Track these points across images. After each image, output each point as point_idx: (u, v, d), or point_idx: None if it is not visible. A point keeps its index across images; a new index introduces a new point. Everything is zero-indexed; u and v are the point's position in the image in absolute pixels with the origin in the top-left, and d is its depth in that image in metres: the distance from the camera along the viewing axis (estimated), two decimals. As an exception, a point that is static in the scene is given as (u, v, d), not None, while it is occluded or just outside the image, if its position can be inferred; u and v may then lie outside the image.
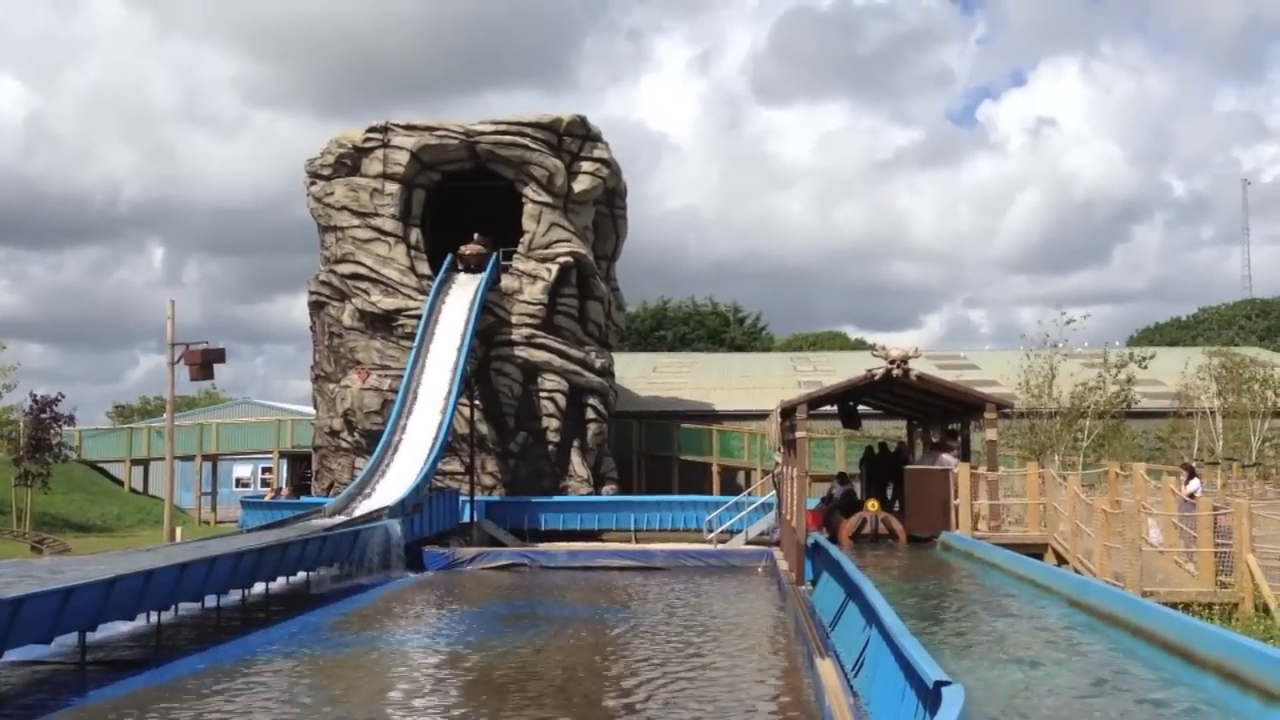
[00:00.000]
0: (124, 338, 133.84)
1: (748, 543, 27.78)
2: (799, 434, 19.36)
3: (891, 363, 18.83)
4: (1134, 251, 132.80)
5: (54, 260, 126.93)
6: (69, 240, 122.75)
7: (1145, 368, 34.88)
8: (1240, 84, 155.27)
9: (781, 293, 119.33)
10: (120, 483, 46.55)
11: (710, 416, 42.06)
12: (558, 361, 35.51)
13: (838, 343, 71.24)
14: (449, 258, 35.85)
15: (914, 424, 25.34)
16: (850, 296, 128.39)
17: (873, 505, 19.09)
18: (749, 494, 32.18)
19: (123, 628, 15.38)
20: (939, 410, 21.89)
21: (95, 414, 74.81)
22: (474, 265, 35.83)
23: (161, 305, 33.29)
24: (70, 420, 39.92)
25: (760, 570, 24.24)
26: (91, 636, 13.97)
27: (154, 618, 15.83)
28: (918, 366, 19.51)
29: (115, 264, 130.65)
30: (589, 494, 35.05)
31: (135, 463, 46.74)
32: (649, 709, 11.22)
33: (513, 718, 10.83)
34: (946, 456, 19.51)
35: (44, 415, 37.68)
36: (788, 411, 20.21)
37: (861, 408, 24.07)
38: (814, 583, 17.63)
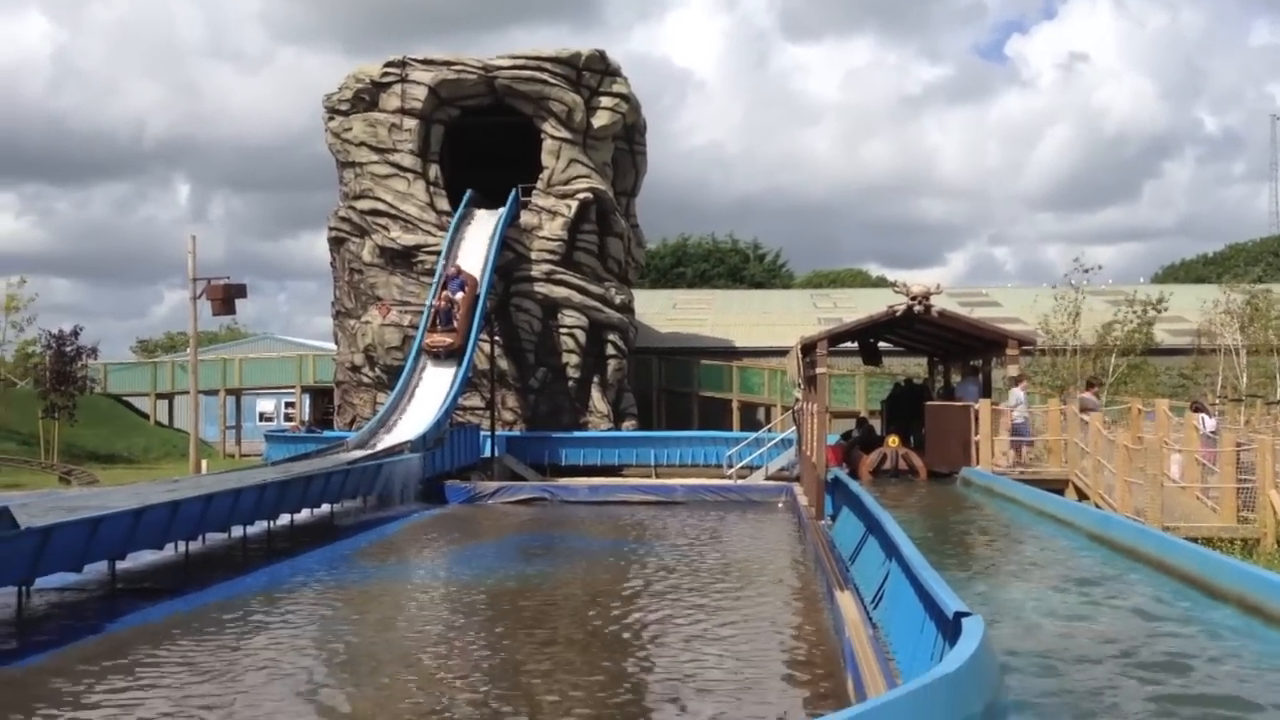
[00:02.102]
0: (149, 273, 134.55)
1: (767, 478, 27.91)
2: (819, 370, 19.33)
3: (913, 299, 18.71)
4: (1163, 188, 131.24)
5: (80, 196, 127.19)
6: (95, 176, 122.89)
7: (1161, 312, 34.92)
8: (1274, 18, 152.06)
9: (804, 230, 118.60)
10: (146, 416, 47.05)
11: (730, 353, 42.06)
12: (577, 298, 35.48)
13: (859, 280, 70.89)
14: (468, 194, 35.71)
15: (935, 361, 25.27)
16: (874, 234, 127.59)
17: (893, 441, 19.09)
18: (769, 430, 32.26)
19: (151, 557, 15.61)
20: (960, 347, 21.81)
21: (120, 349, 75.31)
22: (444, 354, 30.11)
23: (186, 241, 33.33)
24: (93, 353, 40.29)
25: (780, 505, 24.37)
26: (121, 565, 14.21)
27: (181, 547, 16.08)
28: (939, 303, 19.40)
29: (141, 200, 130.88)
30: (609, 429, 35.21)
31: (160, 396, 47.20)
32: (668, 640, 11.36)
33: (533, 648, 10.97)
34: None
35: (66, 348, 38.04)
36: (808, 347, 20.15)
37: (882, 344, 23.99)
38: (833, 518, 17.71)
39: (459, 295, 30.71)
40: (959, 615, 6.38)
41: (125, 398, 47.73)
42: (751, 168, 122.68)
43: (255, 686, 9.48)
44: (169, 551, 15.87)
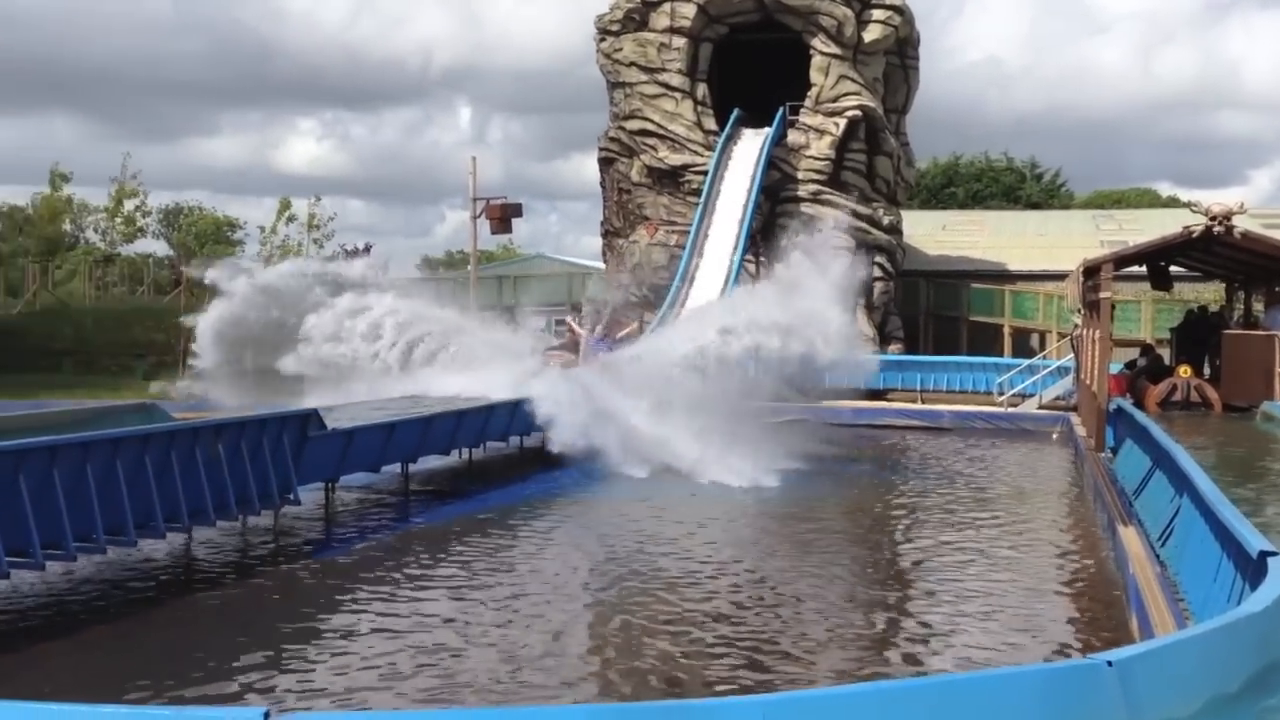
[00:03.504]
0: (433, 194, 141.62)
1: (1041, 407, 26.84)
2: (1103, 295, 18.33)
3: (1212, 219, 17.44)
4: None
5: (373, 121, 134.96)
6: (386, 102, 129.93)
7: None
8: None
9: (1087, 149, 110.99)
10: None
11: (1002, 276, 40.43)
12: (844, 219, 34.92)
13: (1146, 200, 66.23)
14: (735, 113, 35.60)
15: (1234, 287, 23.52)
16: (1166, 151, 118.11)
17: (1184, 371, 17.98)
18: (1043, 357, 30.93)
19: (437, 462, 16.68)
20: (1265, 272, 20.17)
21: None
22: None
23: (466, 163, 35.02)
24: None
25: (1055, 436, 23.40)
26: (412, 468, 15.28)
27: (465, 454, 17.12)
28: (1241, 224, 17.97)
29: (427, 124, 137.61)
30: (874, 353, 34.68)
31: (441, 313, 49.95)
32: (936, 566, 11.21)
33: (794, 567, 11.08)
34: None
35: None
36: (1091, 271, 19.14)
37: (1173, 269, 22.51)
38: (1115, 450, 16.89)
39: None
40: (1264, 554, 6.02)
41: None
42: (1031, 84, 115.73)
43: (536, 587, 10.05)
44: (453, 458, 16.93)
